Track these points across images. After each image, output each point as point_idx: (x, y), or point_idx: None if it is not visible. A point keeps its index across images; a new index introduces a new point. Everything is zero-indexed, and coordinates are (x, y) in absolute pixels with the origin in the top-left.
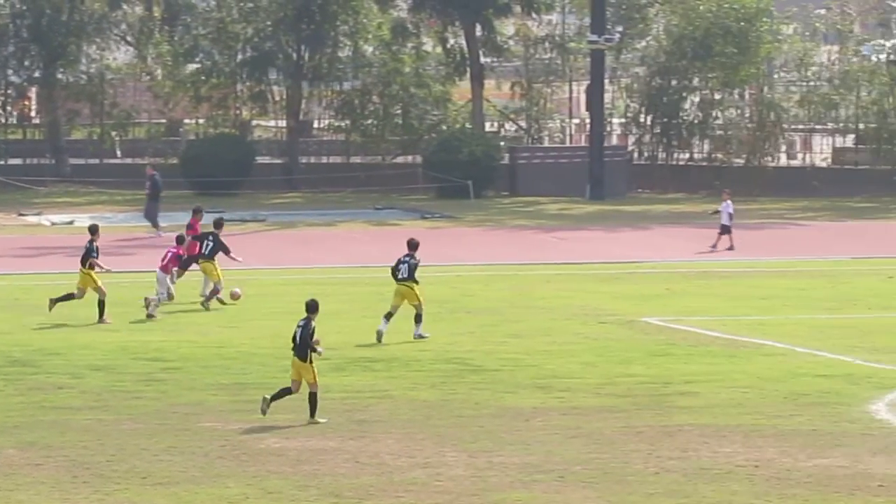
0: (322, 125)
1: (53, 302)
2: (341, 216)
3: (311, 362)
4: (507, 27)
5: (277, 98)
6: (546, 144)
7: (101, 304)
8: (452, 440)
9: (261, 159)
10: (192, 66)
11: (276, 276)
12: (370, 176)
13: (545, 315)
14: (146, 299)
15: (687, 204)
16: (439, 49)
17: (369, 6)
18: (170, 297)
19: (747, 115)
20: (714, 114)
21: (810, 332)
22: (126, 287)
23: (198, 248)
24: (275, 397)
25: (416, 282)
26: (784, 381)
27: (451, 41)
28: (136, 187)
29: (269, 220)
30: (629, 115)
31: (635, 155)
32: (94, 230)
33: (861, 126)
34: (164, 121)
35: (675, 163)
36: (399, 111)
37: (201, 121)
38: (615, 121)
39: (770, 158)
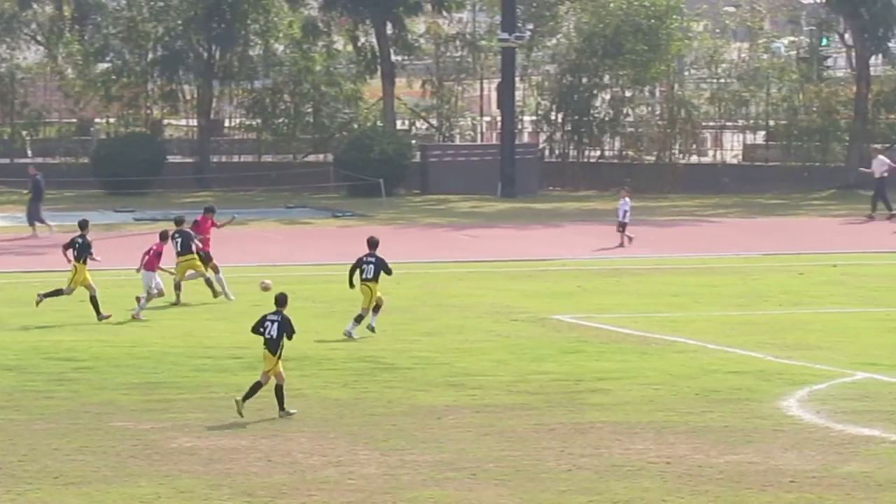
0: (233, 124)
1: (41, 297)
2: (253, 215)
3: (279, 357)
4: (417, 25)
5: (188, 97)
6: (457, 142)
7: (94, 301)
8: (365, 438)
9: (172, 158)
10: (102, 66)
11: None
12: (281, 175)
13: (457, 313)
14: (137, 298)
15: (598, 201)
16: (350, 47)
17: (280, 5)
18: (159, 293)
19: (658, 112)
20: (625, 111)
21: (721, 329)
22: (36, 286)
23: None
24: (246, 397)
25: (378, 281)
26: (696, 378)
27: (362, 39)
28: (46, 187)
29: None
30: (540, 112)
31: (546, 153)
32: (83, 225)
33: (771, 123)
34: (74, 120)
35: (586, 160)
36: (310, 110)
37: (112, 120)
38: (526, 118)
39: (681, 155)
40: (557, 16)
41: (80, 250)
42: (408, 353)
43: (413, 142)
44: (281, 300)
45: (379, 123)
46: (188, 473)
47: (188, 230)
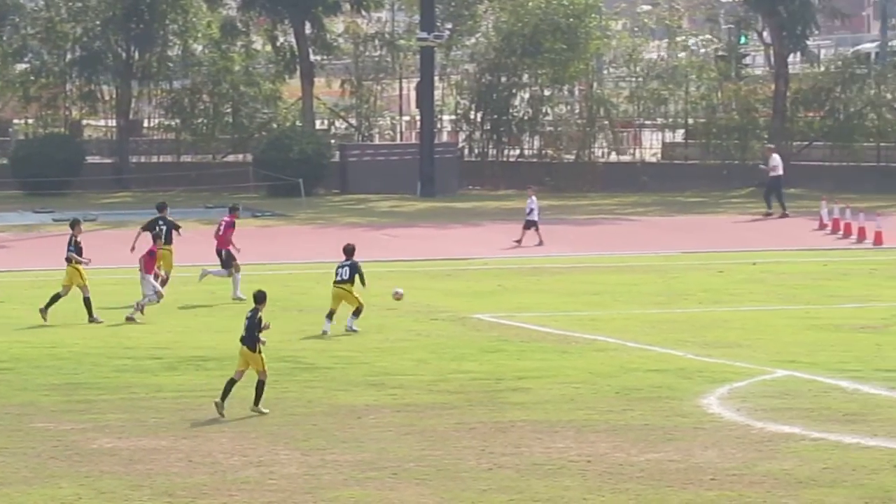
0: (152, 124)
1: (43, 311)
2: (172, 215)
3: (258, 351)
4: (336, 25)
5: (107, 97)
6: (377, 142)
7: (87, 302)
8: (285, 438)
9: (91, 159)
10: (20, 66)
11: (108, 275)
12: (201, 175)
13: (377, 312)
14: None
15: (518, 200)
16: (269, 47)
17: (198, 5)
18: (158, 297)
19: (577, 111)
20: (544, 110)
21: (642, 327)
22: None
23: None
24: (224, 396)
25: (353, 283)
26: (616, 376)
27: (281, 39)
28: None
29: (99, 220)
30: (459, 111)
31: (466, 152)
32: (74, 225)
33: (690, 121)
34: None
35: (505, 159)
36: (229, 110)
37: (31, 121)
38: (445, 118)
39: (600, 154)
40: (476, 15)
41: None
42: (328, 352)
43: (332, 141)
44: (259, 297)
45: (298, 123)
46: (109, 474)
47: (171, 219)
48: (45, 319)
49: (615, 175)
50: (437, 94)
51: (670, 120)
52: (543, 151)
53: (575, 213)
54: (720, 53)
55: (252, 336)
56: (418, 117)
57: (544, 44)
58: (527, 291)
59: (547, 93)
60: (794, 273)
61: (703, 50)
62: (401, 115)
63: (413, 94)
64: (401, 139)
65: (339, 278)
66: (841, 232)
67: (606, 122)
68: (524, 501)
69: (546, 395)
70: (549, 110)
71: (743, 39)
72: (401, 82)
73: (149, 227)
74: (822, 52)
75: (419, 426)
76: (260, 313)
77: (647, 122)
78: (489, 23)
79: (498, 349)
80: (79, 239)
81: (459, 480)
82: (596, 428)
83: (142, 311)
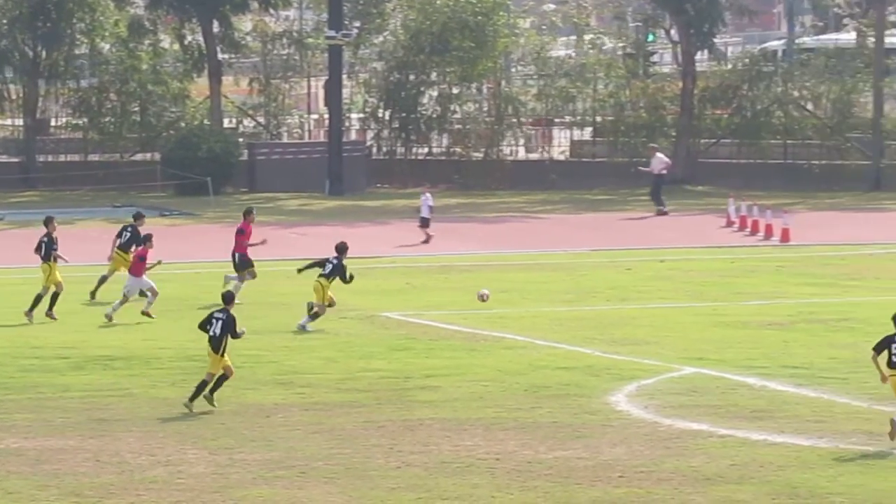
0: (59, 123)
1: (47, 314)
2: (79, 214)
3: (222, 354)
4: (244, 23)
5: (14, 96)
6: (285, 140)
7: (55, 297)
8: (193, 438)
9: None
10: None
11: (14, 275)
12: (108, 174)
13: (285, 311)
14: (143, 312)
15: None
16: (177, 46)
17: (106, 4)
18: (153, 293)
19: (485, 109)
20: (452, 108)
21: (550, 325)
22: None
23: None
24: (197, 396)
25: (331, 280)
26: (524, 374)
27: (189, 38)
28: None
29: (6, 219)
30: (367, 110)
31: (374, 150)
32: (48, 222)
33: (598, 119)
34: None
35: (413, 157)
36: (137, 108)
37: None
38: (354, 116)
39: (508, 152)
40: (384, 13)
41: (47, 248)
42: (236, 351)
43: (240, 140)
44: (227, 298)
45: (206, 122)
46: (15, 474)
47: (140, 230)
48: (55, 318)
49: (523, 173)
50: (346, 92)
51: (578, 118)
52: (452, 149)
53: (483, 210)
54: (628, 51)
55: (223, 338)
56: (326, 116)
57: (452, 42)
58: (435, 289)
59: (455, 91)
60: (702, 270)
61: (606, 46)
62: (309, 113)
63: (321, 93)
64: (309, 137)
65: (324, 271)
66: (748, 229)
67: (515, 120)
68: (432, 499)
69: (454, 393)
70: (457, 108)
71: (651, 37)
72: (309, 81)
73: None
74: (730, 49)
75: (327, 425)
76: (232, 313)
77: (556, 120)
78: (397, 21)
79: (406, 347)
80: (54, 235)
81: (368, 479)
82: (504, 426)
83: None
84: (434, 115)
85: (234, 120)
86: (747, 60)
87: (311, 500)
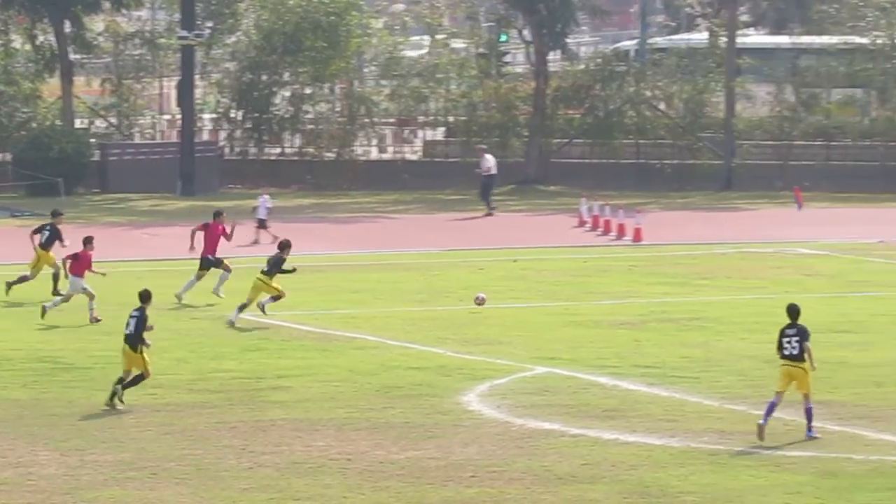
0: None
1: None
2: None
3: (140, 352)
4: (96, 23)
5: None
6: (137, 141)
7: (21, 280)
8: (45, 439)
9: None
10: None
11: None
12: None
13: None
14: (91, 319)
15: (279, 199)
16: (28, 46)
17: None
18: (65, 299)
19: (338, 109)
20: (305, 108)
21: (402, 325)
22: None
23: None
24: (112, 395)
25: (271, 276)
26: (376, 374)
27: (41, 38)
28: None
29: None
30: (220, 110)
31: (227, 150)
32: (56, 214)
33: (451, 119)
34: None
35: (266, 157)
36: None
37: None
38: (206, 116)
39: (361, 152)
40: (237, 13)
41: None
42: (87, 352)
43: (92, 140)
44: (144, 296)
45: (58, 122)
46: None
47: (58, 228)
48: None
49: (376, 173)
50: (198, 92)
51: (431, 118)
52: (304, 150)
53: (336, 210)
54: (480, 51)
55: (138, 335)
56: (179, 116)
57: (305, 42)
58: (287, 290)
59: (308, 91)
60: (554, 270)
61: (458, 46)
62: (161, 113)
63: (174, 93)
64: (161, 138)
65: (264, 269)
66: (600, 229)
67: (367, 121)
68: (284, 500)
69: (307, 393)
70: (309, 108)
71: (503, 37)
72: (161, 81)
73: (38, 230)
74: (583, 49)
75: (179, 425)
76: (147, 312)
77: (420, 119)
78: (250, 21)
79: (258, 348)
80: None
81: (219, 479)
82: (356, 426)
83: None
84: (286, 116)
85: (86, 120)
86: (600, 60)
87: (162, 501)
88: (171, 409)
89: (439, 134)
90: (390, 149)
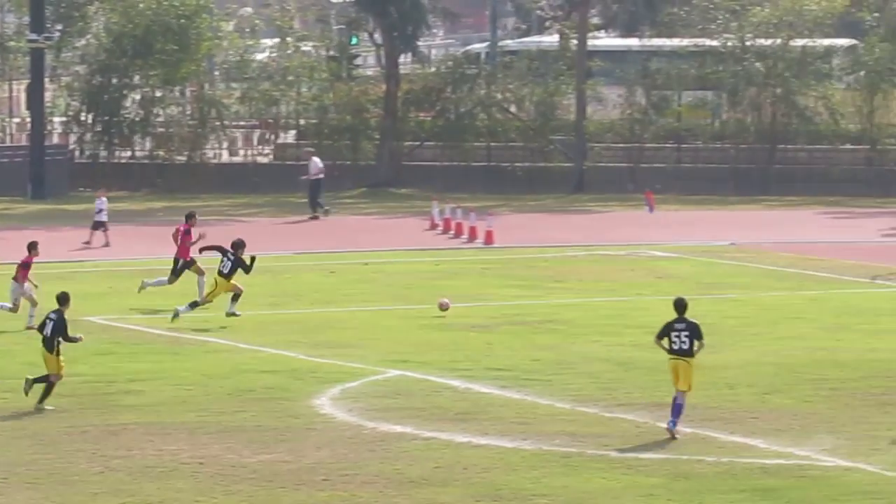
0: None
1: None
2: None
3: (57, 354)
4: None
5: None
6: None
7: None
8: None
9: None
10: None
11: None
12: None
13: None
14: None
15: (129, 202)
16: None
17: None
18: (14, 307)
19: (188, 112)
20: (155, 111)
21: (254, 328)
22: None
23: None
24: (41, 396)
25: (231, 276)
26: (228, 378)
27: None
28: None
29: None
30: (70, 113)
31: (77, 153)
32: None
33: (302, 122)
34: None
35: (117, 161)
36: None
37: None
38: (56, 119)
39: (212, 155)
40: (87, 16)
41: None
42: None
43: None
44: (62, 299)
45: None
46: None
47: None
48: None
49: (227, 176)
50: (48, 95)
51: (282, 121)
52: (155, 153)
53: None
54: (331, 54)
55: (55, 339)
56: (28, 119)
57: (155, 45)
58: (136, 294)
59: (158, 94)
60: (406, 273)
61: (309, 49)
62: (10, 117)
63: (23, 96)
64: (11, 141)
65: (219, 270)
66: (452, 231)
67: (218, 123)
68: None
69: (158, 397)
70: (160, 111)
71: (354, 40)
72: (10, 84)
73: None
74: (435, 52)
75: (30, 430)
76: (65, 315)
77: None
78: (100, 24)
79: (109, 352)
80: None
81: (70, 484)
82: (208, 430)
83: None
84: (137, 119)
85: None
86: (450, 63)
87: None
88: (21, 413)
89: (291, 137)
90: (241, 152)
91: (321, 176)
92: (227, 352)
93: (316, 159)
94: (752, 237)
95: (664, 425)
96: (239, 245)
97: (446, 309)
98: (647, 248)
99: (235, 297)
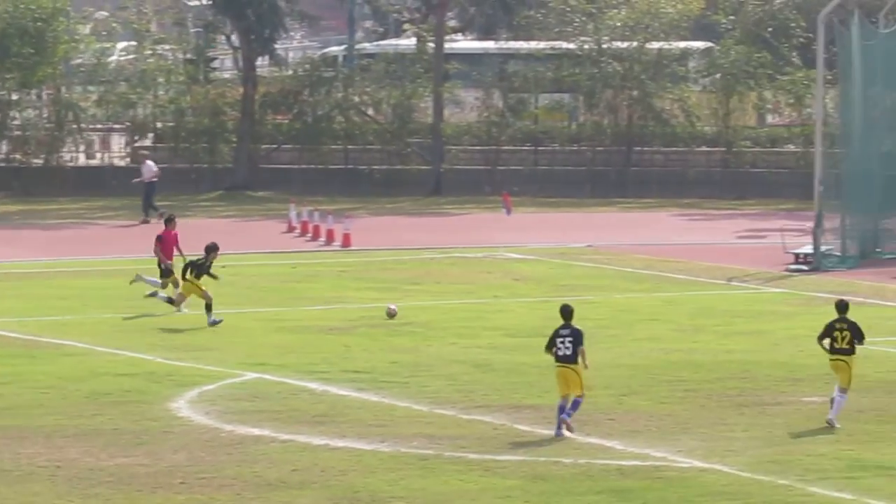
0: None
1: None
2: None
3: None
4: None
5: None
6: None
7: None
8: None
9: None
10: None
11: None
12: None
13: None
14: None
15: None
16: None
17: None
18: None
19: (45, 115)
20: (12, 114)
21: (111, 331)
22: None
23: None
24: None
25: (199, 278)
26: (85, 381)
27: None
28: None
29: None
30: None
31: None
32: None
33: (159, 125)
34: None
35: None
36: None
37: None
38: None
39: (69, 158)
40: None
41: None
42: None
43: None
44: (210, 248)
45: None
46: None
47: None
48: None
49: (84, 179)
50: None
51: (139, 124)
52: (11, 156)
53: (45, 217)
54: (188, 57)
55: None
56: None
57: (12, 48)
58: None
59: (14, 97)
60: (263, 275)
61: (166, 52)
62: None
63: None
64: None
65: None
66: (310, 234)
67: (75, 127)
68: None
69: (15, 400)
70: (16, 115)
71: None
72: None
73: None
74: (292, 55)
75: None
76: None
77: (117, 126)
78: None
79: None
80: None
81: None
82: (65, 433)
83: None
84: None
85: None
86: (308, 66)
87: None
88: None
89: (148, 140)
90: (98, 155)
91: (155, 179)
92: (83, 355)
93: (150, 163)
94: (609, 239)
95: (522, 427)
96: (211, 249)
97: (394, 316)
98: (504, 251)
99: (208, 308)
